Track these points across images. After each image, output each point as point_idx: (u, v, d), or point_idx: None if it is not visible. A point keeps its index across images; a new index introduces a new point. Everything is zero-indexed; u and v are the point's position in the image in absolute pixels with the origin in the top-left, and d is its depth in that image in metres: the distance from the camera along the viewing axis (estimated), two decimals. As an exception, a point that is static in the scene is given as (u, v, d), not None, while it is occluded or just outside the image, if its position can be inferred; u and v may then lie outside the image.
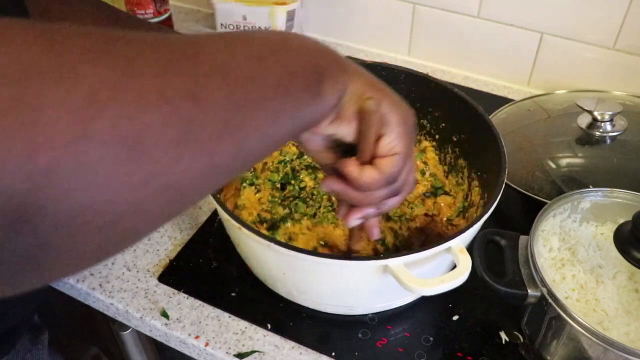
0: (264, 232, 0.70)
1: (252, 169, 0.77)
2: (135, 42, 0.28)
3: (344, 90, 0.42)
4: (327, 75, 0.39)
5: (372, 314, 0.67)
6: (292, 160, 0.79)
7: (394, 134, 0.44)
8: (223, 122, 0.30)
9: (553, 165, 0.77)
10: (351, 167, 0.45)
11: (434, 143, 0.79)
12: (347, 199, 0.48)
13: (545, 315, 0.58)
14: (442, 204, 0.75)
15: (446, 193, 0.76)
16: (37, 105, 0.23)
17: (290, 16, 1.10)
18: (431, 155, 0.79)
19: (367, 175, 0.44)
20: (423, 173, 0.78)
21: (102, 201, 0.25)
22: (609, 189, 0.66)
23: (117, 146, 0.25)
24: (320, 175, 0.76)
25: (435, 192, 0.76)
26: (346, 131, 0.44)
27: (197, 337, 0.65)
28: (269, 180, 0.77)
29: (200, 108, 0.29)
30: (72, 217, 0.24)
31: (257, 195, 0.75)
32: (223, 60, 0.31)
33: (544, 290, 0.57)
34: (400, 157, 0.45)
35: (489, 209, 0.58)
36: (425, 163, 0.79)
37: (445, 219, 0.73)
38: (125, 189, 0.26)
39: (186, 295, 0.69)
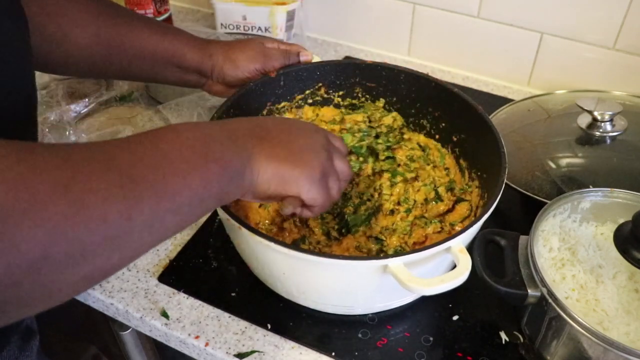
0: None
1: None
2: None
3: (251, 187, 0.50)
4: (235, 178, 0.48)
5: (372, 314, 0.67)
6: None
7: (305, 197, 0.53)
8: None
9: (553, 165, 0.77)
10: (291, 212, 0.54)
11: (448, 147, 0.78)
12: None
13: (545, 315, 0.58)
14: (457, 213, 0.72)
15: (463, 199, 0.73)
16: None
17: (290, 16, 1.10)
18: (450, 161, 0.77)
19: (306, 215, 0.57)
20: (450, 188, 0.75)
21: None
22: (609, 189, 0.66)
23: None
24: None
25: (455, 203, 0.73)
26: (270, 202, 0.56)
27: (197, 337, 0.65)
28: None
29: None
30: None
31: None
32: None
33: (544, 290, 0.57)
34: (321, 204, 0.55)
35: (489, 209, 0.58)
36: (447, 169, 0.77)
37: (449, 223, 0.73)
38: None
39: (186, 295, 0.69)
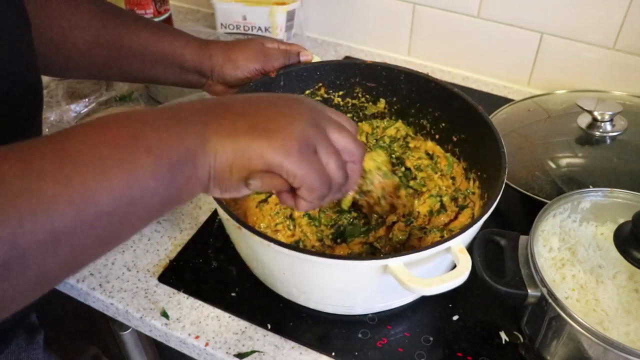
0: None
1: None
2: None
3: (207, 175, 0.41)
4: (182, 169, 0.39)
5: (372, 314, 0.67)
6: None
7: (305, 190, 0.44)
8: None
9: (553, 165, 0.77)
10: (288, 202, 0.46)
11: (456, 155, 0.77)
12: None
13: (545, 315, 0.58)
14: (458, 222, 0.72)
15: (466, 206, 0.72)
16: None
17: (290, 16, 1.10)
18: (457, 169, 0.76)
19: (300, 207, 0.46)
20: (454, 198, 0.73)
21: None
22: (609, 189, 0.66)
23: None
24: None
25: (458, 213, 0.73)
26: (246, 192, 0.44)
27: (197, 337, 0.65)
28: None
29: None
30: None
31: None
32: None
33: (544, 290, 0.57)
34: (321, 197, 0.45)
35: (489, 209, 0.58)
36: (453, 178, 0.76)
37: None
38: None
39: (186, 295, 0.69)
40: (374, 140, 0.82)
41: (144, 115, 0.39)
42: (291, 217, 0.71)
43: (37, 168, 0.34)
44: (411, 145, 0.81)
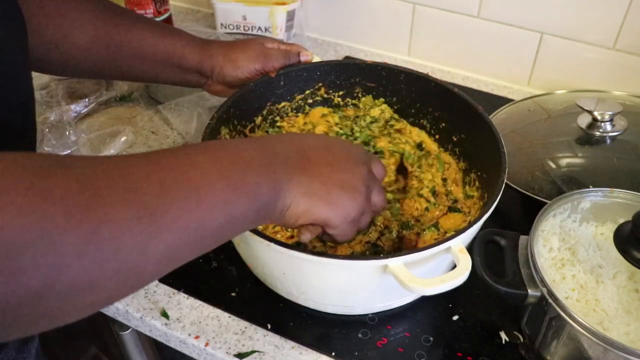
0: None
1: None
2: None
3: (280, 218, 0.49)
4: (263, 212, 0.46)
5: (372, 314, 0.67)
6: None
7: (336, 233, 0.53)
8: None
9: (553, 165, 0.77)
10: (308, 239, 0.53)
11: (454, 155, 0.77)
12: None
13: (545, 315, 0.58)
14: (450, 221, 0.72)
15: (458, 210, 0.72)
16: None
17: (290, 16, 1.10)
18: (453, 170, 0.76)
19: (325, 238, 0.57)
20: (447, 194, 0.74)
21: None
22: (609, 189, 0.66)
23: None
24: None
25: (450, 209, 0.73)
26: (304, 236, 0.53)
27: (197, 337, 0.65)
28: None
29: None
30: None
31: None
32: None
33: (544, 290, 0.57)
34: (348, 239, 0.56)
35: (489, 209, 0.58)
36: (444, 180, 0.75)
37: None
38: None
39: (186, 295, 0.69)
40: (354, 123, 0.81)
41: (249, 155, 0.46)
42: None
43: (168, 190, 0.38)
44: (397, 127, 0.80)
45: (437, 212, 0.72)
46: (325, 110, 0.83)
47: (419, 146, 0.79)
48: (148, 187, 0.37)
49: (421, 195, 0.73)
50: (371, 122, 0.81)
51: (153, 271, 0.38)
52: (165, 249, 0.38)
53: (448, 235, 0.68)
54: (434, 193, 0.73)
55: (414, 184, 0.74)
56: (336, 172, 0.52)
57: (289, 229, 0.69)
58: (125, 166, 0.38)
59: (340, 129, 0.80)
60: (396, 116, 0.82)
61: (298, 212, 0.49)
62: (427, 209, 0.72)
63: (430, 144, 0.79)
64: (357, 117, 0.82)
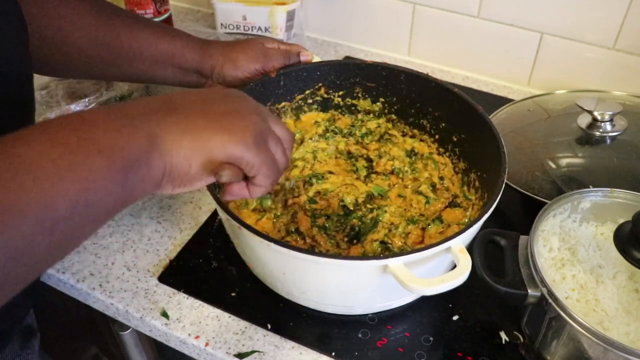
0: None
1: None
2: None
3: (170, 170, 0.42)
4: (136, 168, 0.39)
5: (372, 314, 0.67)
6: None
7: (261, 177, 0.48)
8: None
9: (553, 165, 0.77)
10: (241, 192, 0.49)
11: (447, 154, 0.77)
12: None
13: (545, 315, 0.58)
14: (451, 215, 0.72)
15: (458, 205, 0.73)
16: None
17: (290, 16, 1.10)
18: (449, 171, 0.77)
19: (255, 193, 0.49)
20: (447, 189, 0.75)
21: None
22: (609, 189, 0.66)
23: None
24: None
25: (451, 204, 0.73)
26: (199, 185, 0.46)
27: (197, 337, 0.65)
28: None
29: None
30: None
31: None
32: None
33: (544, 290, 0.57)
34: (273, 182, 0.49)
35: (489, 209, 0.58)
36: (442, 178, 0.76)
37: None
38: None
39: (186, 295, 0.69)
40: (349, 129, 0.83)
41: (94, 116, 0.39)
42: (297, 231, 0.70)
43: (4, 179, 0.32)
44: (395, 140, 0.81)
45: (439, 205, 0.73)
46: (319, 117, 0.84)
47: (411, 152, 0.80)
48: None
49: (420, 193, 0.74)
50: (366, 134, 0.82)
51: (4, 275, 0.32)
52: (7, 246, 0.32)
53: (452, 227, 0.69)
54: (433, 187, 0.74)
55: (409, 183, 0.76)
56: (214, 104, 0.46)
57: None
58: None
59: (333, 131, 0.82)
60: (391, 131, 0.82)
61: (185, 154, 0.42)
62: (427, 202, 0.73)
63: (422, 148, 0.80)
64: (353, 126, 0.83)
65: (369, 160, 0.80)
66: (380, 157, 0.79)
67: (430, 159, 0.78)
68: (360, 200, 0.74)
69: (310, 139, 0.82)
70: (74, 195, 0.35)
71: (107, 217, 0.39)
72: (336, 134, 0.83)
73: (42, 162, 0.34)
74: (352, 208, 0.73)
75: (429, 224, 0.70)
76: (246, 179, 0.49)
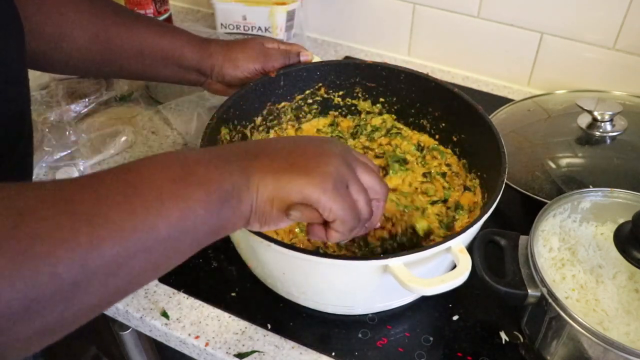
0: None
1: None
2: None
3: (255, 207, 0.45)
4: (229, 202, 0.42)
5: (372, 314, 0.67)
6: None
7: (338, 223, 0.47)
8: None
9: (553, 165, 0.77)
10: (319, 234, 0.50)
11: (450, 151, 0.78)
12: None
13: (545, 315, 0.58)
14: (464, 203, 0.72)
15: (468, 189, 0.73)
16: None
17: (290, 16, 1.10)
18: (454, 163, 0.77)
19: (332, 238, 0.49)
20: (456, 174, 0.76)
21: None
22: (609, 189, 0.66)
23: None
24: None
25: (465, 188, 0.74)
26: (283, 225, 0.48)
27: (197, 337, 0.65)
28: None
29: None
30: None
31: None
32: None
33: (544, 290, 0.57)
34: (347, 219, 0.48)
35: (489, 209, 0.58)
36: (448, 165, 0.77)
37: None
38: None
39: (186, 295, 0.69)
40: (355, 129, 0.83)
41: (194, 154, 0.43)
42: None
43: (105, 197, 0.36)
44: (404, 134, 0.81)
45: (457, 194, 0.73)
46: (321, 124, 0.84)
47: (418, 146, 0.80)
48: (82, 197, 0.35)
49: (437, 180, 0.75)
50: (372, 131, 0.81)
51: (102, 287, 0.35)
52: (112, 259, 0.35)
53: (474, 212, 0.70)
54: (443, 175, 0.75)
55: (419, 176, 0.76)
56: (298, 149, 0.48)
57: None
58: (55, 183, 0.36)
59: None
60: (397, 124, 0.82)
61: (268, 194, 0.45)
62: (449, 194, 0.73)
63: (428, 140, 0.81)
64: (358, 126, 0.83)
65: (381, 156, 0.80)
66: (394, 150, 0.79)
67: (437, 150, 0.79)
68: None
69: None
70: (174, 220, 0.38)
71: (199, 245, 0.42)
72: (341, 138, 0.82)
73: (148, 190, 0.38)
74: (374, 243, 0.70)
75: (454, 217, 0.70)
76: (327, 223, 0.49)
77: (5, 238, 0.31)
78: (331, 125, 0.84)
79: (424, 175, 0.76)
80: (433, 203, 0.72)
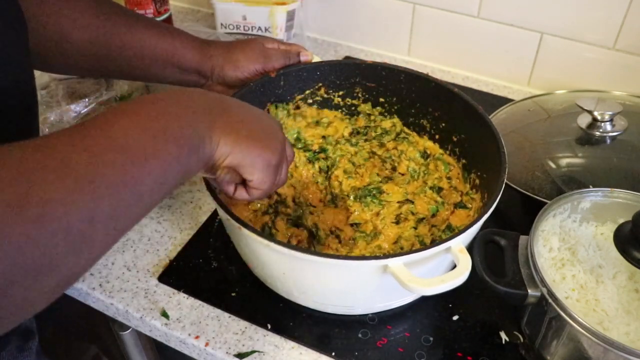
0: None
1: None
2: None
3: (210, 159, 0.50)
4: (196, 153, 0.47)
5: (372, 314, 0.67)
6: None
7: (256, 179, 0.54)
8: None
9: (553, 165, 0.77)
10: (242, 195, 0.57)
11: (459, 163, 0.76)
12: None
13: (545, 315, 0.58)
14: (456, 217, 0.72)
15: (464, 206, 0.72)
16: None
17: (290, 16, 1.10)
18: (456, 171, 0.76)
19: (254, 195, 0.57)
20: (454, 188, 0.74)
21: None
22: (609, 189, 0.66)
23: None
24: None
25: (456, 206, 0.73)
26: (224, 175, 0.54)
27: (197, 337, 0.65)
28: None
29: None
30: None
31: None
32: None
33: (544, 290, 0.57)
34: (267, 189, 0.56)
35: (489, 209, 0.58)
36: (449, 178, 0.76)
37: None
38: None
39: (186, 295, 0.69)
40: (365, 129, 0.82)
41: (166, 104, 0.47)
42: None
43: (98, 156, 0.39)
44: (411, 140, 0.81)
45: (446, 212, 0.72)
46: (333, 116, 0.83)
47: (424, 154, 0.79)
48: (78, 157, 0.38)
49: (429, 196, 0.73)
50: (382, 134, 0.81)
51: (104, 238, 0.39)
52: (111, 211, 0.39)
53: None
54: (439, 190, 0.74)
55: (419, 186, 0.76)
56: (255, 119, 0.55)
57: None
58: (50, 144, 0.38)
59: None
60: (406, 129, 0.82)
61: (225, 150, 0.50)
62: (437, 209, 0.72)
63: (434, 148, 0.79)
64: (368, 127, 0.82)
65: (387, 161, 0.79)
66: (399, 156, 0.79)
67: (441, 160, 0.77)
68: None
69: (337, 142, 0.81)
70: (156, 174, 0.43)
71: (170, 192, 0.47)
72: (359, 133, 0.82)
73: (135, 147, 0.42)
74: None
75: (440, 236, 0.69)
76: (244, 183, 0.56)
77: (21, 204, 0.33)
78: (349, 119, 0.83)
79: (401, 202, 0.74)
80: (419, 220, 0.71)
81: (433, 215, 0.72)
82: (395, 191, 0.74)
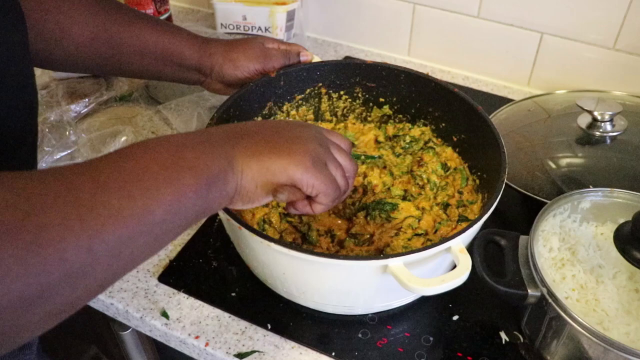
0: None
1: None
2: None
3: (238, 191, 0.48)
4: (215, 184, 0.45)
5: (372, 314, 0.67)
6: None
7: (322, 196, 0.52)
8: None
9: (553, 165, 0.77)
10: (304, 209, 0.55)
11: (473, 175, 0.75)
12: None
13: (545, 315, 0.58)
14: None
15: (467, 219, 0.70)
16: None
17: (290, 16, 1.10)
18: (470, 185, 0.74)
19: (317, 210, 0.55)
20: (461, 205, 0.73)
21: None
22: (609, 189, 0.66)
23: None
24: None
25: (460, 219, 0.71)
26: (264, 202, 0.51)
27: (197, 337, 0.65)
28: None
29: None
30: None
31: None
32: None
33: (544, 290, 0.57)
34: (329, 190, 0.53)
35: (489, 209, 0.58)
36: (460, 193, 0.74)
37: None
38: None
39: (186, 295, 0.69)
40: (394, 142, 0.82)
41: (181, 139, 0.46)
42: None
43: (104, 184, 0.38)
44: (436, 149, 0.79)
45: (447, 229, 0.70)
46: (367, 130, 0.83)
47: (444, 165, 0.77)
48: (82, 185, 0.37)
49: (438, 204, 0.73)
50: (411, 142, 0.80)
51: (105, 269, 0.37)
52: (115, 242, 0.37)
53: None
54: (445, 207, 0.72)
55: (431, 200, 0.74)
56: (278, 133, 0.52)
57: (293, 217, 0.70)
58: (58, 173, 0.38)
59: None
60: (434, 139, 0.80)
61: (252, 175, 0.48)
62: (440, 223, 0.71)
63: (454, 159, 0.77)
64: (397, 136, 0.81)
65: (417, 178, 0.78)
66: (421, 166, 0.77)
67: (461, 173, 0.75)
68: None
69: (368, 157, 0.80)
70: (168, 204, 0.41)
71: (189, 224, 0.45)
72: (390, 139, 0.81)
73: (145, 176, 0.40)
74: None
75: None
76: (310, 197, 0.53)
77: (17, 228, 0.32)
78: (380, 127, 0.83)
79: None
80: (417, 235, 0.70)
81: (435, 232, 0.71)
82: (407, 207, 0.73)
